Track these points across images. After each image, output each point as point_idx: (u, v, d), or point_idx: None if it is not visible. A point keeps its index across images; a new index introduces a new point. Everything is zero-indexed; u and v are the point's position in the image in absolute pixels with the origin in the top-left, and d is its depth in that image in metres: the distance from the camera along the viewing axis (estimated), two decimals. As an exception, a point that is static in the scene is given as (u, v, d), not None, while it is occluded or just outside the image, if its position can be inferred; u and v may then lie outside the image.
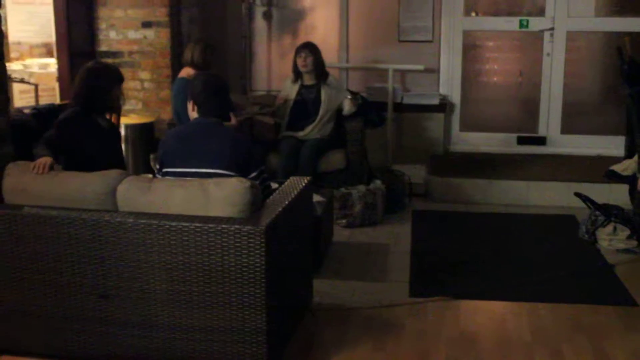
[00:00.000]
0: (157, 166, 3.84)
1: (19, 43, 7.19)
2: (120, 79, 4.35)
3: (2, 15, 4.08)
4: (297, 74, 6.24)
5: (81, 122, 4.15)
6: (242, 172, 3.64)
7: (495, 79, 7.62)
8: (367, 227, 5.72)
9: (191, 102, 3.85)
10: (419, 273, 4.82)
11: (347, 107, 6.10)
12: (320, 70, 6.19)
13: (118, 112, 5.40)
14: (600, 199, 5.59)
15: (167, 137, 3.92)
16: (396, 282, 4.66)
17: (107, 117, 4.43)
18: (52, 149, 3.81)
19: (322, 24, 7.64)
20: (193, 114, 3.85)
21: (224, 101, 3.91)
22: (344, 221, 5.70)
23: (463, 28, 7.35)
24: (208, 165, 3.64)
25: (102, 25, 6.49)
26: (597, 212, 5.41)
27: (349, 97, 6.13)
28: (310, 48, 6.18)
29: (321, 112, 6.11)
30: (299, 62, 6.16)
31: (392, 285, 4.62)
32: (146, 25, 6.42)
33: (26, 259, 3.44)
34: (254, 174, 3.70)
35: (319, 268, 4.76)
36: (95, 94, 4.20)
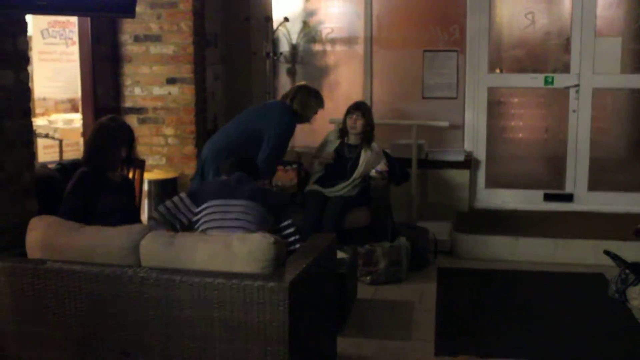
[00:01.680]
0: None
1: (44, 99, 7.26)
2: (130, 139, 4.38)
3: (29, 72, 4.13)
4: (343, 132, 6.21)
5: (91, 182, 4.14)
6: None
7: (520, 135, 7.59)
8: (391, 284, 5.64)
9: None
10: (445, 331, 4.73)
11: (374, 173, 6.05)
12: (367, 134, 6.14)
13: (142, 167, 5.42)
14: (630, 257, 5.48)
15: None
16: (421, 341, 4.57)
17: (124, 171, 4.46)
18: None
19: (346, 80, 7.68)
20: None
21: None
22: (368, 278, 5.63)
23: (487, 85, 7.34)
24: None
25: (127, 82, 6.54)
26: (627, 271, 5.31)
27: (384, 162, 6.10)
28: (362, 110, 6.13)
29: (355, 174, 6.04)
30: (349, 122, 6.13)
31: (417, 344, 4.54)
32: (171, 81, 6.46)
33: (48, 314, 3.40)
34: (286, 223, 4.11)
35: (343, 325, 4.69)
36: (103, 153, 4.24)
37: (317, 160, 6.21)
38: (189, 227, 4.08)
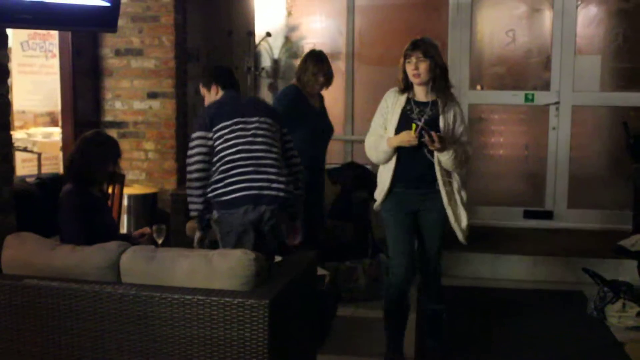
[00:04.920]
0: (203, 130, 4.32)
1: (23, 112, 7.23)
2: (117, 154, 4.25)
3: (9, 84, 4.10)
4: (405, 86, 4.50)
5: (80, 200, 4.04)
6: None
7: (501, 152, 7.63)
8: (372, 301, 5.62)
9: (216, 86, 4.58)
10: (425, 349, 4.72)
11: None
12: (440, 80, 4.34)
13: (122, 182, 5.38)
14: (608, 275, 5.52)
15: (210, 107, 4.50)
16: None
17: (105, 187, 4.41)
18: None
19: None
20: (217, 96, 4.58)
21: None
22: (348, 295, 5.61)
23: (468, 101, 7.37)
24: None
25: (108, 96, 6.51)
26: (606, 289, 5.33)
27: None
28: (423, 48, 4.28)
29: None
30: (409, 70, 4.33)
31: (398, 362, 4.52)
32: (152, 95, 6.44)
33: (25, 331, 3.35)
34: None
35: (322, 343, 4.67)
36: (90, 169, 4.10)
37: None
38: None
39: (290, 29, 7.76)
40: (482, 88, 7.51)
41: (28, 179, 5.07)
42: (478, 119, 7.53)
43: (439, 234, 4.53)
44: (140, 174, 6.52)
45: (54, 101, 6.87)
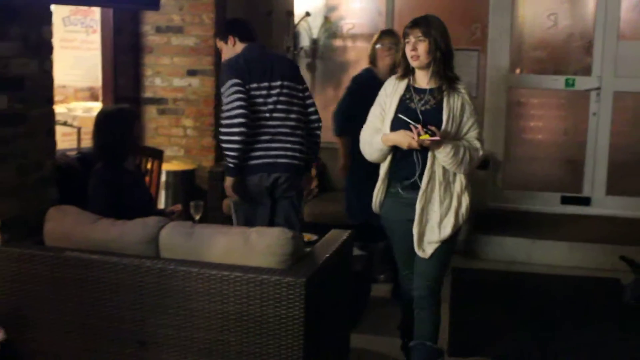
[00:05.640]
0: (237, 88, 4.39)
1: (64, 86, 7.29)
2: (132, 122, 4.12)
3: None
4: (405, 72, 4.27)
5: (108, 175, 3.98)
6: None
7: (539, 136, 7.55)
8: (406, 282, 5.63)
9: (233, 38, 4.67)
10: (458, 332, 4.73)
11: None
12: (440, 63, 3.77)
13: (160, 158, 5.43)
14: (646, 263, 5.46)
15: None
16: (435, 340, 4.57)
17: (139, 161, 4.41)
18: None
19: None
20: (235, 48, 4.65)
21: None
22: (382, 276, 5.62)
23: (508, 85, 7.31)
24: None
25: (148, 72, 6.56)
26: (643, 276, 5.29)
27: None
28: (423, 26, 3.71)
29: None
30: (408, 51, 3.81)
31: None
32: (191, 73, 6.48)
33: (66, 302, 3.42)
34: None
35: (356, 323, 4.69)
36: (111, 143, 4.00)
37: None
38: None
39: (330, 8, 7.74)
40: (522, 72, 7.43)
41: (68, 153, 5.15)
42: (517, 103, 7.46)
43: (438, 254, 3.78)
44: (178, 151, 6.58)
45: (94, 76, 6.92)
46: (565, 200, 7.32)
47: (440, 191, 3.72)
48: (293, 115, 4.57)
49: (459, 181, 3.76)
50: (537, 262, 6.27)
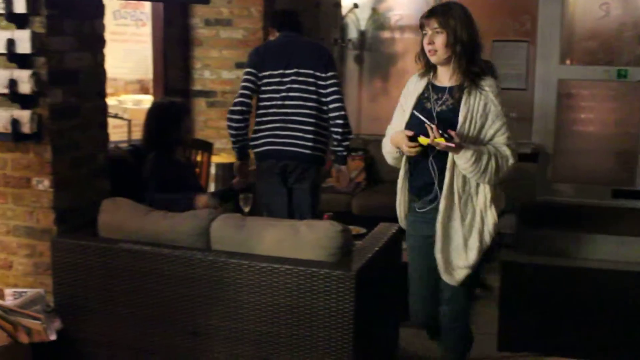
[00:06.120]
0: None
1: (114, 79, 7.38)
2: (182, 116, 4.36)
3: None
4: (427, 68, 3.92)
5: (160, 165, 4.18)
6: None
7: (590, 129, 7.45)
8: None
9: (272, 29, 4.92)
10: (508, 326, 4.70)
11: None
12: (461, 57, 3.37)
13: (209, 150, 5.48)
14: (700, 258, 5.37)
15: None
16: (484, 335, 4.54)
17: (187, 152, 4.53)
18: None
19: (414, 68, 7.60)
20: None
21: None
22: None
23: (558, 76, 7.21)
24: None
25: (197, 65, 6.61)
26: (697, 272, 5.18)
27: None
28: (440, 16, 3.32)
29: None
30: (425, 45, 3.55)
31: (480, 338, 4.47)
32: (240, 65, 6.48)
33: (118, 292, 3.48)
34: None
35: (405, 315, 4.68)
36: (161, 134, 4.25)
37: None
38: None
39: (378, 0, 7.71)
40: (572, 63, 7.33)
41: (120, 145, 5.21)
42: (567, 94, 7.36)
43: (466, 279, 3.38)
44: (227, 143, 6.58)
45: (143, 69, 7.00)
46: (616, 194, 7.20)
47: (460, 205, 3.28)
48: (310, 104, 4.63)
49: (483, 194, 3.29)
50: (588, 256, 6.18)
